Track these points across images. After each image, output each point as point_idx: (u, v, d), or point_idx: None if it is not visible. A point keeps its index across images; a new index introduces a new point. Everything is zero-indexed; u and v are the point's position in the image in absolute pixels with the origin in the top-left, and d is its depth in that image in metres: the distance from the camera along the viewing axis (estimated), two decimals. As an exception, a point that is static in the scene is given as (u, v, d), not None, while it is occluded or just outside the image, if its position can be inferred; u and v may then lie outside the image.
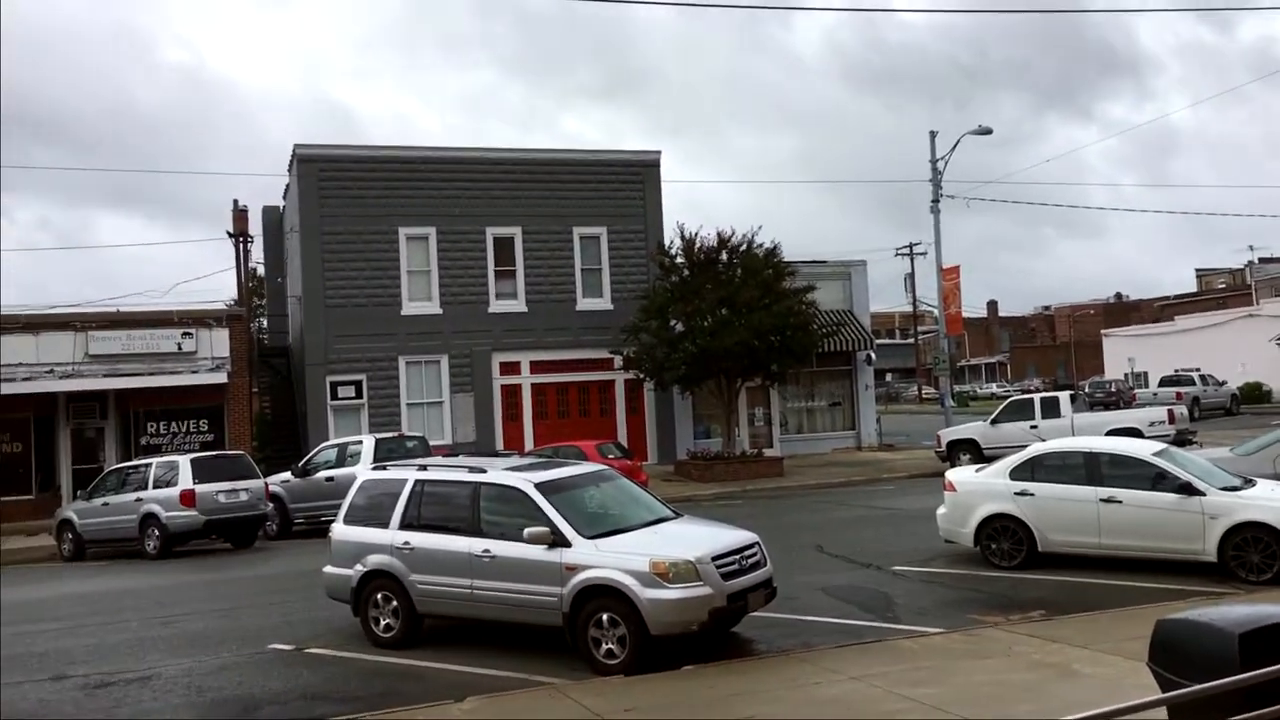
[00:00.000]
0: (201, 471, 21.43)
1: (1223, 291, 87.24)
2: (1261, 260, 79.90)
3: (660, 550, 10.39)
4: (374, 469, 13.72)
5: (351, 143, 32.68)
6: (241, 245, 37.53)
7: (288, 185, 35.49)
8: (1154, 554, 13.57)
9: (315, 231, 31.70)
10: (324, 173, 31.94)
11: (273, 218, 39.92)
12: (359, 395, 31.87)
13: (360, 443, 23.79)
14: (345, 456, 23.47)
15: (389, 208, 32.31)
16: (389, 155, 32.90)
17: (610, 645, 10.20)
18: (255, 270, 44.96)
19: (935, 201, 36.99)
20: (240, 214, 37.76)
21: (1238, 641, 4.93)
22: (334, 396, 31.62)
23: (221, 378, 30.44)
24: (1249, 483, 13.94)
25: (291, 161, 33.25)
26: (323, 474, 23.28)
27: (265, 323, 44.79)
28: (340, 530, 12.46)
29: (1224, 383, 52.45)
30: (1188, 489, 13.36)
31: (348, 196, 31.98)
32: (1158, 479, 13.67)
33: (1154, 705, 4.58)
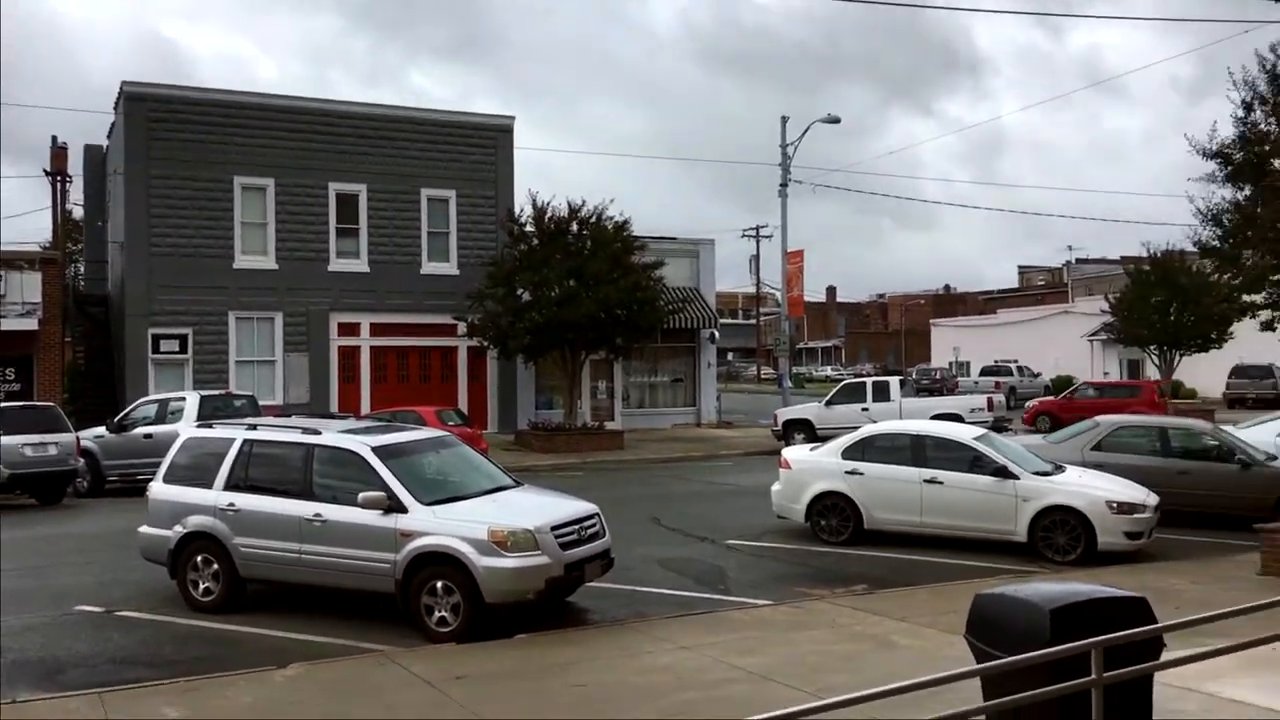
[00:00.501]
0: (6, 422, 20.10)
1: (1042, 288, 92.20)
2: (1079, 260, 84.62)
3: (499, 519, 10.29)
4: (198, 427, 13.16)
5: (183, 84, 30.85)
6: (59, 185, 35.33)
7: (113, 124, 33.51)
8: (970, 533, 14.24)
9: (142, 175, 30.02)
10: (154, 113, 30.25)
11: (95, 158, 37.57)
12: (184, 350, 30.46)
13: (183, 399, 22.75)
14: (166, 413, 22.40)
15: (224, 155, 30.87)
16: (226, 100, 31.41)
17: (444, 613, 10.05)
18: (72, 212, 42.38)
19: (783, 185, 37.74)
20: (59, 152, 35.50)
21: (1049, 617, 5.17)
22: (156, 350, 30.12)
23: (32, 324, 28.59)
24: (1059, 468, 14.77)
25: (118, 99, 31.39)
26: (141, 430, 22.18)
27: (82, 268, 42.29)
28: (159, 489, 11.88)
29: (1039, 374, 55.53)
30: (1003, 472, 14.06)
31: (179, 140, 30.38)
32: (976, 462, 14.34)
33: (970, 676, 4.78)
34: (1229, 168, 12.62)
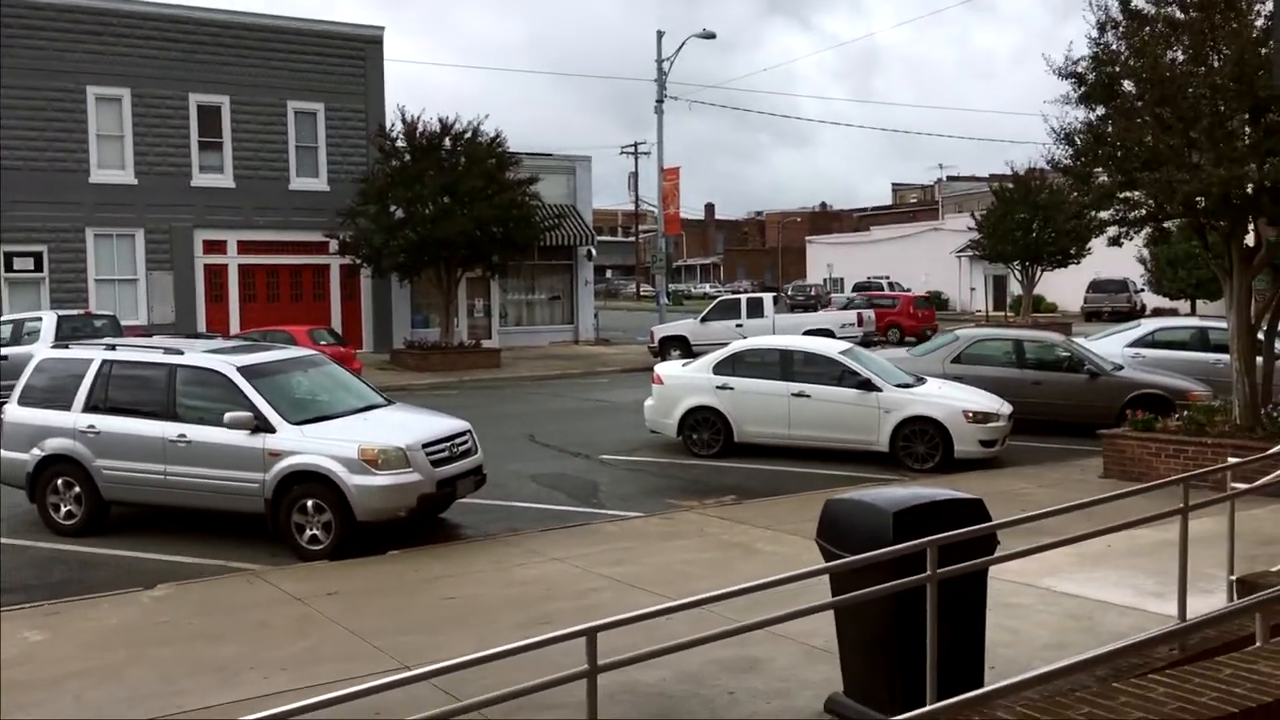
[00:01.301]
0: None
1: (915, 206, 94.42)
2: (950, 178, 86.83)
3: (370, 437, 10.28)
4: (55, 347, 12.70)
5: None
6: (-106, 92, 32.92)
7: (-48, 28, 31.34)
8: (836, 444, 14.77)
9: (-13, 83, 28.25)
10: (-3, 17, 28.38)
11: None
12: (38, 268, 29.10)
13: (39, 320, 21.91)
14: (21, 334, 21.53)
15: (75, 64, 29.22)
16: (76, 4, 29.58)
17: (315, 531, 10.05)
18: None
19: (659, 102, 37.63)
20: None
21: (892, 519, 5.47)
22: (9, 269, 28.70)
23: None
24: (920, 381, 15.37)
25: (-44, 1, 29.33)
26: (-5, 352, 21.26)
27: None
28: (14, 412, 11.50)
29: (908, 290, 57.11)
30: (867, 385, 14.57)
31: (26, 48, 28.60)
32: (842, 376, 14.82)
33: (816, 574, 5.04)
34: (1082, 88, 13.03)
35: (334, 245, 30.76)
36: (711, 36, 36.78)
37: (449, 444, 10.80)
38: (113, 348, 11.66)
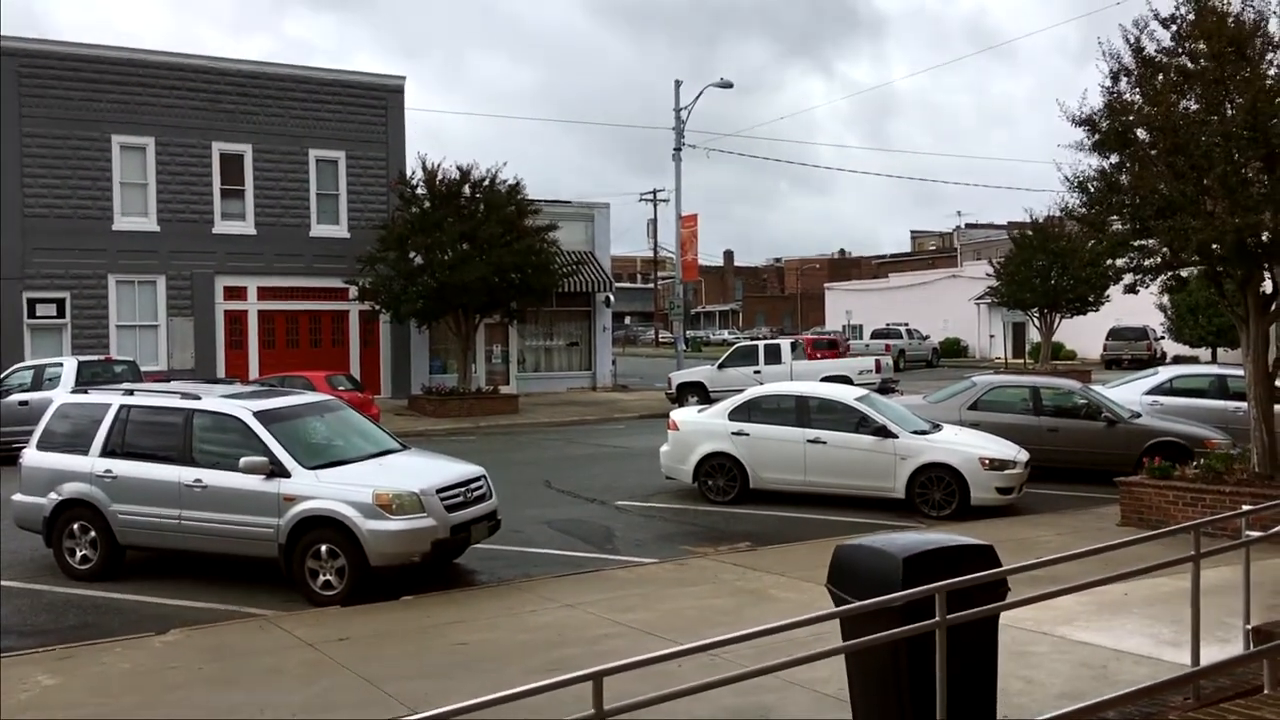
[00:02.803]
0: None
1: (933, 253, 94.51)
2: (968, 225, 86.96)
3: (384, 482, 10.31)
4: (73, 393, 12.82)
5: (55, 38, 29.64)
6: (-75, 142, 33.55)
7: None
8: (852, 491, 14.70)
9: (14, 133, 28.75)
10: (25, 69, 28.96)
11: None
12: (61, 314, 29.43)
13: (60, 365, 22.09)
14: (43, 379, 21.72)
15: (101, 113, 29.74)
16: (102, 55, 30.19)
17: (328, 576, 10.05)
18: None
19: (677, 150, 37.90)
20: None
21: (902, 565, 5.44)
22: (31, 314, 29.06)
23: (-103, 288, 27.31)
24: (937, 428, 15.32)
25: (-12, 53, 29.97)
26: (16, 397, 21.45)
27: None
28: (33, 456, 11.60)
29: (927, 337, 57.09)
30: (883, 432, 14.53)
31: (53, 97, 29.18)
32: (859, 423, 14.78)
33: (824, 619, 5.02)
34: (1096, 135, 13.08)
35: (353, 291, 31.01)
36: (729, 86, 37.12)
37: (464, 489, 10.81)
38: (131, 393, 11.75)
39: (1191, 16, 12.34)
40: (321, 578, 10.06)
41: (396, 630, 8.99)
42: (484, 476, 11.35)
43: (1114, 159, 13.16)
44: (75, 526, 11.10)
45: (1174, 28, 12.50)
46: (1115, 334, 48.49)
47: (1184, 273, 13.86)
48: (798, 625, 4.72)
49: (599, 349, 38.88)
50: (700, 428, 15.73)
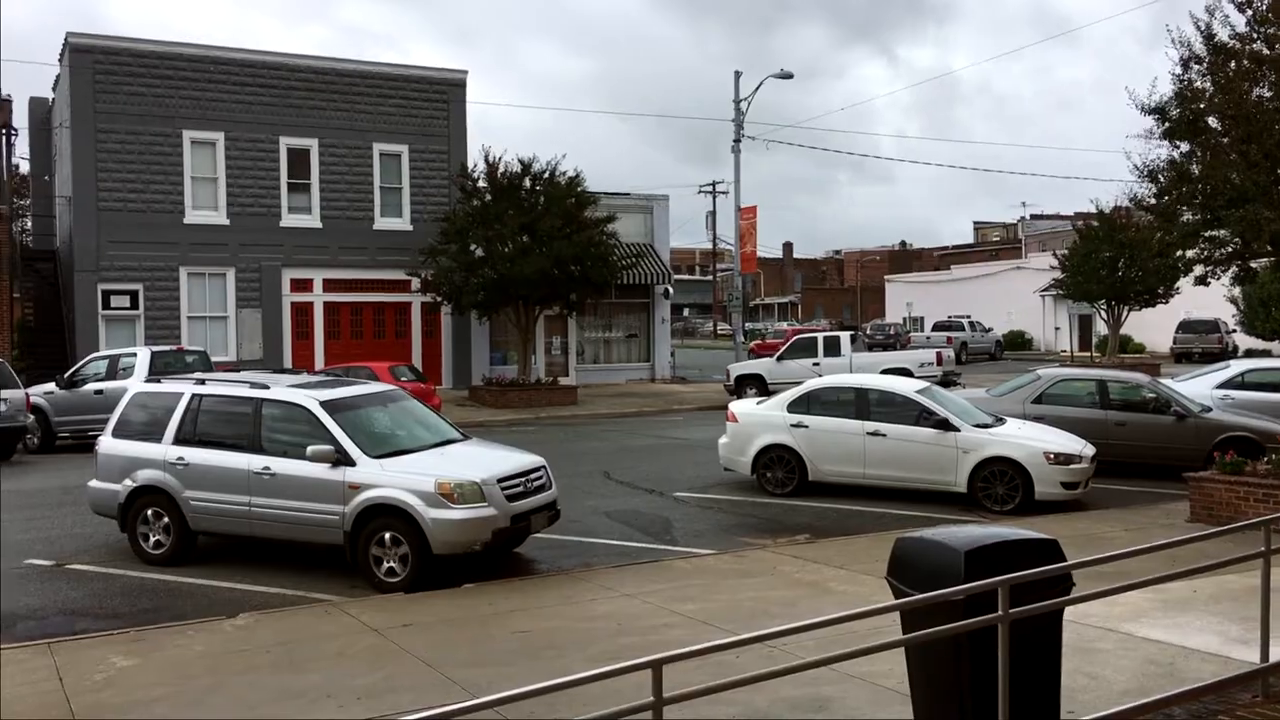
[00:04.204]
0: (-46, 380, 19.91)
1: (997, 244, 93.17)
2: (1033, 216, 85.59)
3: (446, 471, 10.45)
4: (147, 382, 13.15)
5: (129, 35, 30.34)
6: (5, 139, 34.59)
7: (58, 76, 32.86)
8: (912, 484, 14.59)
9: (89, 128, 29.53)
10: (100, 65, 29.71)
11: (40, 111, 36.83)
12: (134, 306, 30.17)
13: (134, 355, 22.63)
14: (117, 369, 22.28)
15: (172, 109, 30.42)
16: (174, 52, 30.86)
17: (392, 563, 10.22)
18: (19, 167, 41.60)
19: (737, 141, 37.76)
20: (3, 104, 34.75)
21: (964, 558, 5.40)
22: (106, 306, 29.83)
23: (-21, 280, 28.19)
24: (1000, 421, 15.13)
25: (63, 51, 30.77)
26: (91, 386, 22.06)
27: (30, 224, 41.57)
28: (108, 444, 11.93)
29: (990, 329, 56.29)
30: (945, 425, 14.39)
31: (126, 93, 29.90)
32: (920, 415, 14.65)
33: (883, 612, 5.02)
34: (1166, 124, 12.85)
35: (416, 283, 31.40)
36: (789, 77, 36.92)
37: (524, 479, 10.92)
38: (202, 382, 12.03)
39: (1266, 1, 12.07)
40: (385, 564, 10.24)
41: (459, 617, 9.12)
42: (544, 467, 11.45)
43: (1185, 148, 12.94)
44: (149, 512, 11.40)
45: (1249, 12, 12.24)
46: (1185, 327, 47.44)
47: (1256, 264, 13.57)
48: (857, 617, 4.73)
49: (657, 341, 38.94)
50: (759, 420, 15.71)
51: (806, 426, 15.15)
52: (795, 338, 34.62)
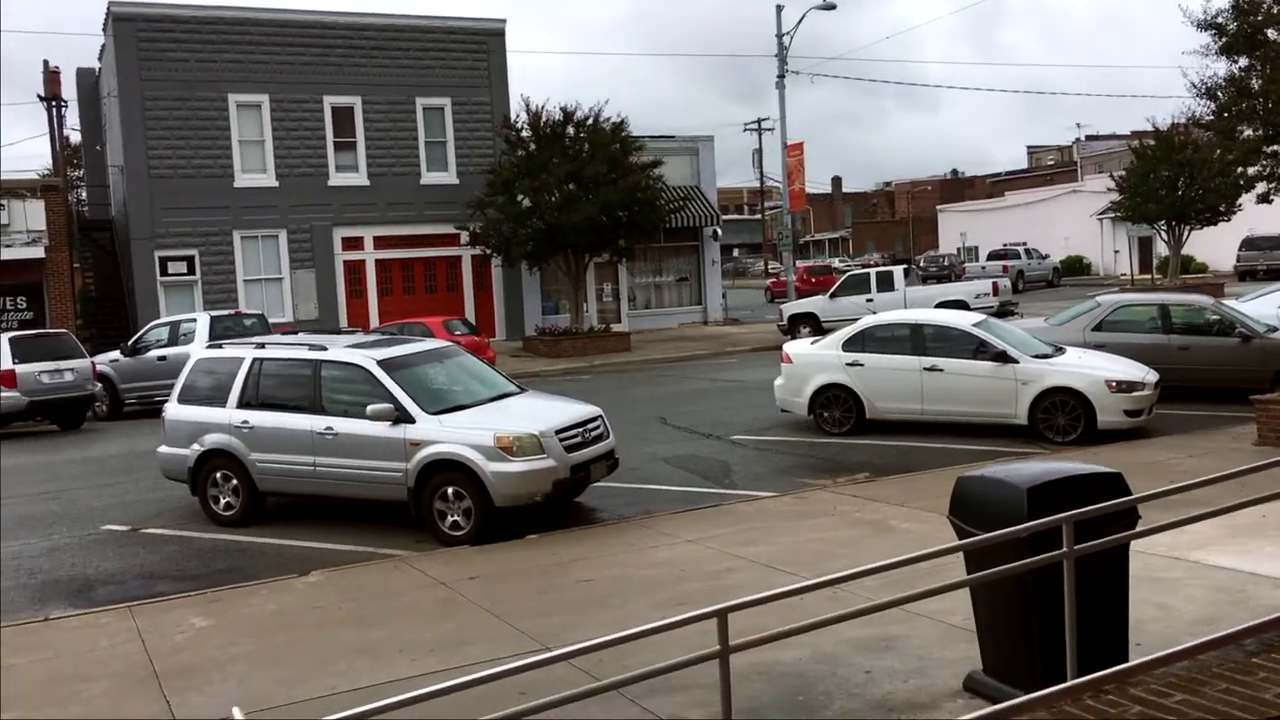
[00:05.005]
0: (21, 350, 20.44)
1: (1051, 168, 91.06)
2: (1088, 138, 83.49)
3: (504, 424, 10.54)
4: (209, 347, 13.38)
5: (168, 1, 30.49)
6: (55, 110, 35.10)
7: (103, 46, 33.16)
8: (972, 418, 14.47)
9: (136, 97, 29.84)
10: (143, 33, 29.93)
11: (88, 81, 37.22)
12: (191, 271, 30.65)
13: (194, 320, 23.04)
14: (178, 335, 22.70)
15: (217, 73, 30.61)
16: (214, 16, 30.98)
17: (456, 517, 10.38)
18: (70, 138, 42.18)
19: (781, 77, 37.23)
20: (53, 76, 35.20)
21: (1026, 495, 5.36)
22: (164, 273, 30.34)
23: (39, 252, 28.79)
24: (1059, 351, 14.91)
25: (106, 20, 31.00)
26: (154, 353, 22.52)
27: (85, 194, 42.23)
28: (175, 410, 12.18)
29: (1046, 256, 55.32)
30: (1003, 357, 14.22)
31: (171, 60, 30.13)
32: (977, 349, 14.49)
33: (947, 552, 5.00)
34: (1223, 39, 12.42)
35: (464, 237, 31.53)
36: (832, 7, 36.19)
37: (581, 429, 11.00)
38: (262, 346, 12.22)
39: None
40: (449, 519, 10.40)
41: (523, 568, 9.26)
42: (600, 416, 11.51)
43: (1243, 62, 12.52)
44: (218, 475, 11.66)
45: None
46: (1249, 244, 46.23)
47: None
48: (921, 559, 4.72)
49: (708, 283, 38.81)
50: (814, 359, 15.63)
51: (862, 365, 15.05)
52: (849, 274, 34.29)
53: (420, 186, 33.12)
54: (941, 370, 14.53)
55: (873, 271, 32.20)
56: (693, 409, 18.68)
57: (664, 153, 33.66)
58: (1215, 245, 47.31)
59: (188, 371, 12.40)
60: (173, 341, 22.58)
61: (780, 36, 36.88)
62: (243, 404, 11.63)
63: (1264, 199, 13.22)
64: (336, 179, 32.20)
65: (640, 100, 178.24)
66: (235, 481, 11.56)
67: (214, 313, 24.27)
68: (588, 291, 33.70)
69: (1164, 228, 38.04)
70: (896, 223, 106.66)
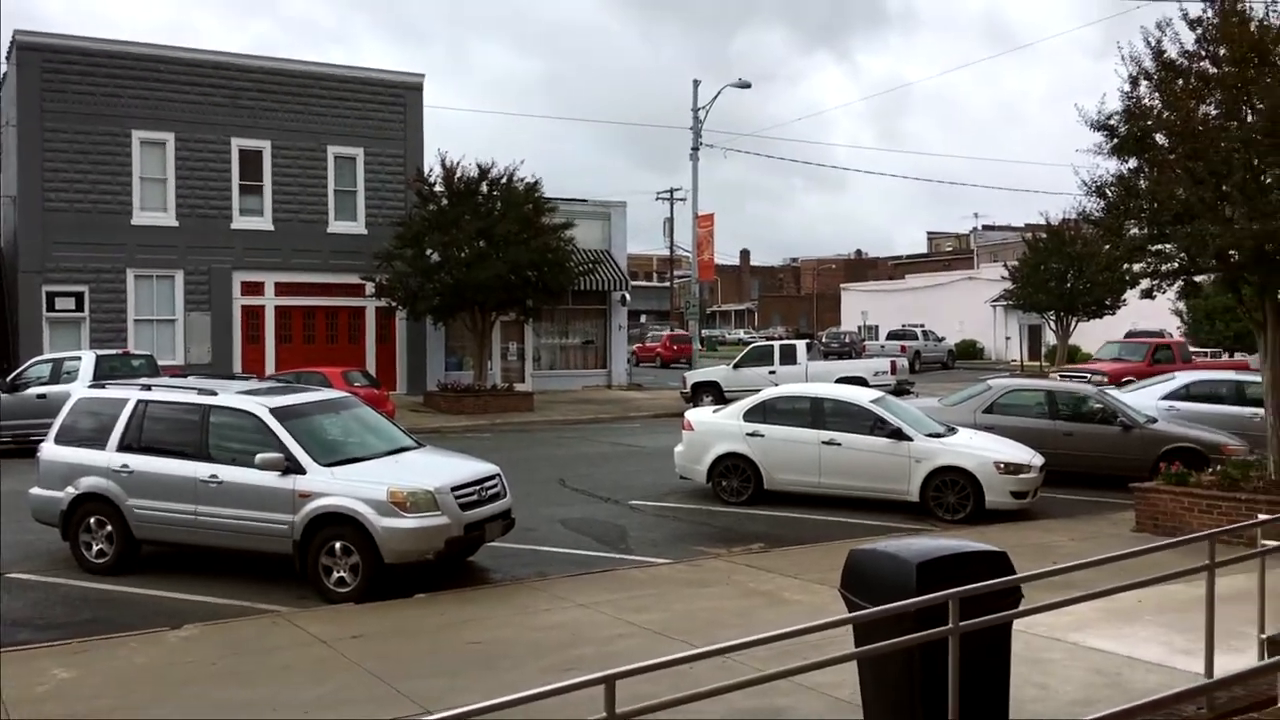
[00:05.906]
0: (-109, 383, 19.42)
1: (950, 254, 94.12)
2: (985, 227, 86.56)
3: (398, 479, 10.34)
4: (91, 386, 12.91)
5: (78, 34, 29.86)
6: (-52, 136, 33.75)
7: (4, 75, 32.21)
8: (867, 493, 14.68)
9: (35, 127, 28.96)
10: (48, 64, 29.16)
11: (-14, 108, 36.09)
12: (80, 308, 29.61)
13: (78, 359, 22.21)
14: (61, 373, 21.85)
15: (122, 108, 29.92)
16: (123, 51, 30.36)
17: (342, 573, 10.10)
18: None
19: (695, 149, 37.88)
20: (-53, 101, 33.88)
21: (915, 570, 5.43)
22: (51, 308, 29.25)
23: (-81, 281, 27.54)
24: (952, 431, 15.27)
25: (10, 49, 30.15)
26: (34, 390, 21.59)
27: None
28: (51, 450, 11.69)
29: (943, 339, 56.91)
30: (898, 434, 14.50)
31: (74, 92, 29.36)
32: (874, 425, 14.75)
33: (837, 624, 5.02)
34: (1114, 140, 13.01)
35: (370, 288, 31.12)
36: (747, 86, 37.10)
37: (478, 487, 10.84)
38: (148, 388, 11.83)
39: (1216, 20, 12.26)
40: (335, 574, 10.11)
41: (410, 628, 9.02)
42: (498, 475, 11.38)
43: (1132, 163, 13.09)
44: (92, 520, 11.17)
45: (1199, 30, 12.42)
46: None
47: (1200, 279, 13.79)
48: (812, 630, 4.73)
49: (614, 347, 38.90)
50: (715, 428, 15.73)
51: (762, 435, 15.19)
52: (752, 346, 34.71)
53: (327, 234, 32.68)
54: (839, 444, 14.74)
55: (776, 344, 32.68)
56: (593, 472, 18.59)
57: (577, 215, 33.82)
58: (1100, 337, 49.18)
59: (67, 411, 11.93)
60: (54, 379, 21.73)
61: (696, 110, 37.61)
62: (124, 447, 11.21)
63: (1147, 294, 13.78)
64: (240, 222, 31.59)
65: (556, 163, 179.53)
66: (110, 528, 11.09)
67: (100, 351, 23.44)
68: (493, 349, 33.47)
69: (1053, 317, 39.48)
70: (801, 298, 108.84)
